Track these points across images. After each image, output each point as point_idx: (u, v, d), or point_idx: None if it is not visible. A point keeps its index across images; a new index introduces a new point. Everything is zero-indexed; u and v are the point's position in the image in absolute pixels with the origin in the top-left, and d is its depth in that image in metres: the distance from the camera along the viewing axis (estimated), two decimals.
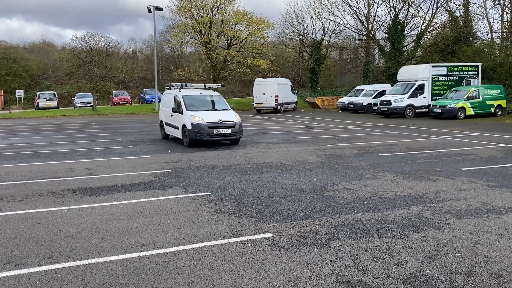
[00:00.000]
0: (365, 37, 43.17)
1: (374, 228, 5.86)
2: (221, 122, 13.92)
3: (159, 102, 41.67)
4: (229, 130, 13.91)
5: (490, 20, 47.90)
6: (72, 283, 4.31)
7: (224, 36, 41.66)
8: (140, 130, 21.16)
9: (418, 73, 27.53)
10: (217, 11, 40.26)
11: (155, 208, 6.93)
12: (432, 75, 27.15)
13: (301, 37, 44.27)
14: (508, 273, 4.41)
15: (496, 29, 40.43)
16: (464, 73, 28.20)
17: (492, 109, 25.34)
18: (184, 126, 14.25)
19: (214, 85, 17.62)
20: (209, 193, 7.87)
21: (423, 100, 26.87)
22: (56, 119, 30.76)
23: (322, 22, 47.01)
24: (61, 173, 10.14)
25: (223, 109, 14.98)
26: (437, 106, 25.11)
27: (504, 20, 37.59)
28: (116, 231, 5.81)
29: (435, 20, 39.09)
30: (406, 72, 28.69)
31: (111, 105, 43.63)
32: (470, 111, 24.66)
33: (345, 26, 42.68)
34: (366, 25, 42.03)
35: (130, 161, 11.69)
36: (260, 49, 41.25)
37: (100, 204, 7.25)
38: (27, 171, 10.38)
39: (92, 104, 38.67)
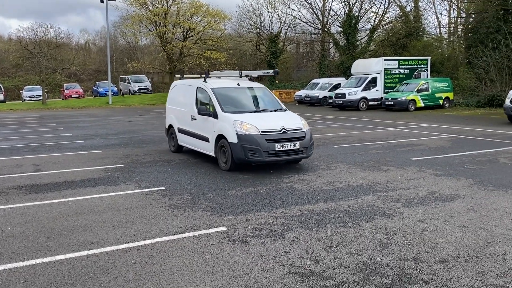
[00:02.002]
0: (320, 31, 43.75)
1: (328, 218, 5.94)
2: (284, 132, 8.81)
3: (113, 95, 40.75)
4: (297, 144, 8.84)
5: (438, 15, 49.83)
6: (13, 285, 4.08)
7: (180, 28, 40.98)
8: (93, 124, 20.46)
9: (371, 66, 28.23)
10: (172, 2, 39.53)
11: (106, 205, 6.70)
12: (384, 68, 27.91)
13: (258, 30, 44.32)
14: (453, 258, 4.59)
15: (444, 24, 42.25)
16: (415, 66, 29.18)
17: (441, 101, 26.39)
18: (220, 137, 9.11)
19: (256, 73, 11.91)
20: (163, 188, 7.71)
21: (376, 93, 27.61)
22: (3, 114, 29.20)
23: (278, 16, 47.37)
24: (6, 169, 9.62)
25: (275, 110, 9.87)
26: (389, 99, 25.87)
27: (451, 16, 39.25)
28: (64, 229, 5.57)
29: (387, 15, 40.19)
30: (360, 66, 29.36)
31: (62, 99, 41.98)
32: (420, 103, 25.57)
33: (301, 19, 43.13)
34: (321, 19, 42.60)
35: (81, 156, 11.26)
36: (217, 42, 40.92)
37: (47, 201, 6.93)
38: None
39: (41, 97, 37.02)
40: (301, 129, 9.08)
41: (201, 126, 9.90)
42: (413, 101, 25.38)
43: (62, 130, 17.90)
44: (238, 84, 10.26)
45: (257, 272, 4.29)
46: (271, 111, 9.75)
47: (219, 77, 11.28)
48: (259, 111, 9.68)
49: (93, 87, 46.70)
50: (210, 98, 9.66)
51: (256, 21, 44.01)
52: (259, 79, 47.37)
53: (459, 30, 37.22)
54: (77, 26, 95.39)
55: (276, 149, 8.60)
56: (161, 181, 8.29)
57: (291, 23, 43.46)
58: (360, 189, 7.53)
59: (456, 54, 35.80)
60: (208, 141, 9.56)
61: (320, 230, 5.46)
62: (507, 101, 17.61)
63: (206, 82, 10.16)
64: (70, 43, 53.92)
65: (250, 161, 8.64)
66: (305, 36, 48.29)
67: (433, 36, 40.50)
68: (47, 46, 34.85)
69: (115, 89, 43.31)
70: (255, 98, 10.28)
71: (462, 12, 35.42)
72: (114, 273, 4.30)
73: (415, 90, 25.60)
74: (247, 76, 10.95)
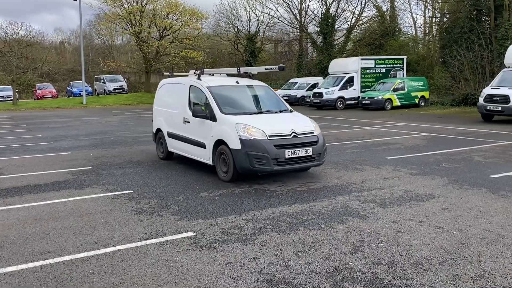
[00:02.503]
0: (298, 31, 43.76)
1: (300, 220, 5.74)
2: (294, 136, 7.77)
3: (88, 95, 39.82)
4: (309, 151, 7.75)
5: (414, 15, 50.59)
6: None
7: (156, 27, 40.32)
8: (65, 125, 19.83)
9: (348, 66, 28.31)
10: (148, 0, 38.86)
11: (69, 210, 6.34)
12: (361, 67, 28.02)
13: (235, 29, 44.03)
14: (427, 261, 4.44)
15: (419, 24, 42.78)
16: (391, 65, 29.39)
17: (417, 100, 26.63)
18: (219, 143, 7.98)
19: (257, 69, 10.56)
20: (131, 191, 7.39)
21: (353, 92, 27.69)
22: None
23: (256, 15, 47.09)
24: None
25: (280, 111, 8.78)
26: (366, 98, 25.98)
27: (426, 16, 39.76)
28: (19, 238, 5.21)
29: (364, 14, 40.43)
30: (337, 65, 29.41)
31: (35, 99, 40.83)
32: (397, 102, 25.75)
33: (278, 19, 43.03)
34: (299, 18, 42.60)
35: (48, 159, 10.80)
36: (194, 41, 40.43)
37: (5, 207, 6.53)
38: None
39: (12, 98, 35.89)
40: (312, 132, 8.00)
41: (195, 130, 8.68)
42: (390, 100, 25.54)
43: (31, 132, 17.27)
44: (237, 82, 9.15)
45: (223, 280, 4.05)
46: (276, 113, 8.64)
47: (212, 74, 10.27)
48: (262, 112, 8.56)
49: (67, 87, 45.57)
50: (206, 98, 8.49)
51: (234, 20, 43.76)
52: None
53: (434, 30, 37.76)
54: (51, 25, 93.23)
55: (286, 156, 7.49)
56: (129, 184, 7.96)
57: (268, 22, 43.35)
58: (335, 189, 7.37)
59: (431, 53, 36.28)
60: (205, 147, 8.35)
61: (292, 233, 5.26)
62: (481, 100, 17.84)
63: (200, 79, 8.97)
64: (42, 42, 52.56)
65: (256, 171, 7.56)
66: (283, 36, 48.24)
67: (409, 35, 41.00)
68: (18, 45, 33.75)
69: (90, 89, 42.38)
70: (256, 98, 9.15)
71: (436, 12, 35.94)
72: (68, 285, 3.99)
73: (391, 89, 25.77)
74: (246, 72, 9.88)
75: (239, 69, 9.68)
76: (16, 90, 36.12)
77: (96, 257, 4.60)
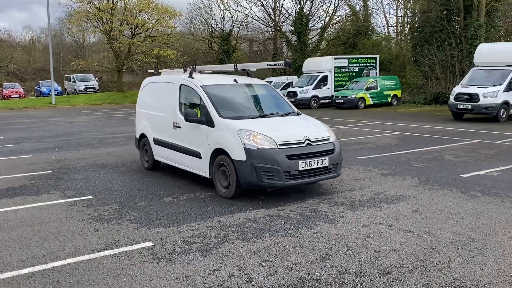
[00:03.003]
0: (272, 30, 43.63)
1: (267, 226, 5.48)
2: (308, 144, 6.68)
3: (57, 94, 38.59)
4: (325, 161, 6.71)
5: (386, 15, 51.15)
6: None
7: (128, 25, 39.45)
8: (30, 126, 19.04)
9: (322, 65, 28.30)
10: None
11: (20, 219, 5.91)
12: (335, 66, 28.05)
13: (209, 27, 43.57)
14: (397, 269, 4.25)
15: (392, 23, 43.31)
16: (364, 64, 29.53)
17: (389, 99, 26.80)
18: (218, 152, 6.83)
19: (257, 65, 9.61)
20: (90, 197, 6.98)
21: (327, 91, 27.69)
22: None
23: (230, 13, 46.73)
24: None
25: (286, 113, 7.70)
26: (339, 97, 26.00)
27: (398, 15, 40.21)
28: None
29: (338, 13, 40.60)
30: (311, 64, 29.37)
31: (1, 99, 39.35)
32: (370, 101, 25.85)
33: (253, 18, 42.81)
34: (273, 17, 42.47)
35: (6, 162, 10.23)
36: (167, 39, 39.76)
37: None
38: None
39: None
40: (328, 139, 6.93)
41: (188, 137, 7.50)
42: (363, 99, 25.62)
43: None
44: (235, 81, 7.98)
45: None
46: (282, 116, 7.57)
47: (202, 72, 9.05)
48: (266, 115, 7.43)
49: (36, 87, 44.14)
50: (200, 100, 7.36)
51: (208, 18, 43.29)
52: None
53: (406, 29, 38.22)
54: (21, 22, 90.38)
55: (300, 168, 6.43)
56: (90, 189, 7.54)
57: (243, 21, 43.06)
58: (304, 192, 7.14)
59: (404, 52, 36.70)
60: (199, 157, 7.16)
61: (258, 241, 4.99)
62: (451, 98, 18.01)
63: (192, 78, 7.81)
64: (9, 40, 50.85)
65: (264, 186, 6.48)
66: (258, 35, 48.05)
67: (382, 35, 41.39)
68: None
69: (60, 88, 41.09)
70: (257, 99, 8.11)
71: (408, 11, 36.39)
72: None
73: (364, 88, 25.86)
74: (244, 69, 8.67)
75: (236, 66, 8.50)
76: None
77: (42, 272, 4.22)
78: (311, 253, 4.63)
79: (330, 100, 27.27)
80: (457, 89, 17.94)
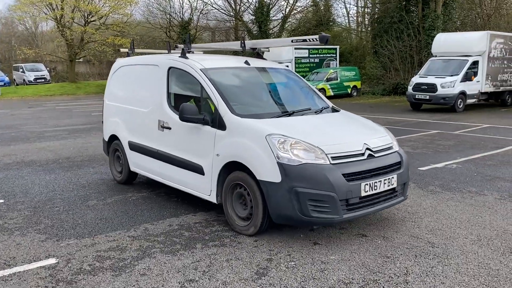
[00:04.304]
0: (233, 19, 42.62)
1: (201, 234, 4.71)
2: (370, 155, 4.61)
3: (4, 85, 36.13)
4: (393, 180, 4.67)
5: (347, 5, 51.08)
6: None
7: (80, 12, 37.40)
8: None
9: (282, 55, 27.62)
10: None
11: None
12: (295, 57, 27.51)
13: (167, 15, 42.04)
14: (345, 286, 3.58)
15: (352, 14, 43.19)
16: (324, 55, 29.15)
17: (349, 90, 26.54)
18: (232, 167, 4.74)
19: (275, 42, 7.45)
20: (1, 201, 5.98)
21: None
22: None
23: (189, 1, 45.35)
24: None
25: (321, 109, 5.54)
26: None
27: (359, 6, 40.13)
28: None
29: (298, 4, 40.10)
30: (271, 55, 28.60)
31: None
32: (330, 92, 25.47)
33: (212, 6, 41.64)
34: (234, 6, 41.45)
35: None
36: (123, 27, 38.01)
37: None
38: None
39: None
40: (391, 147, 4.92)
41: (183, 143, 5.35)
42: (323, 90, 25.16)
43: None
44: (246, 63, 5.71)
45: None
46: (316, 113, 5.38)
47: (192, 52, 6.10)
48: (295, 112, 5.19)
49: None
50: (202, 89, 5.18)
51: (166, 6, 41.71)
52: None
53: (366, 20, 38.20)
54: None
55: (363, 193, 4.35)
56: (5, 191, 6.51)
57: (202, 9, 41.79)
58: None
59: (364, 43, 36.67)
60: (201, 173, 5.07)
61: (186, 253, 4.21)
62: (409, 89, 17.81)
63: (186, 58, 5.57)
64: None
65: (312, 223, 4.35)
66: (219, 24, 46.86)
67: (342, 26, 41.26)
68: None
69: (7, 79, 38.59)
70: (277, 89, 5.95)
71: (368, 2, 36.28)
72: None
73: (325, 79, 25.46)
74: (253, 49, 6.28)
75: (244, 43, 6.10)
76: None
77: None
78: (247, 267, 3.91)
79: None
80: (415, 79, 17.75)
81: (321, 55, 28.95)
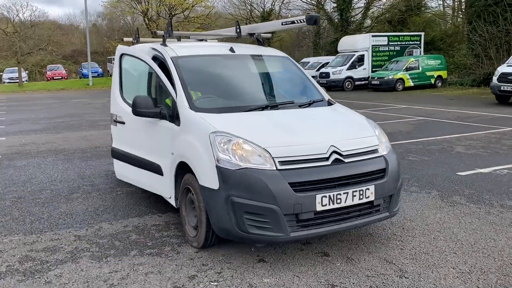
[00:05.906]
0: (315, 8, 41.38)
1: (148, 238, 4.26)
2: (337, 160, 3.70)
3: (97, 76, 39.12)
4: (368, 191, 3.71)
5: None
6: None
7: (165, 6, 38.98)
8: (44, 108, 18.89)
9: (358, 43, 26.12)
10: None
11: None
12: (372, 45, 25.79)
13: (249, 6, 42.17)
14: None
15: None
16: (406, 43, 26.94)
17: (432, 80, 24.23)
18: (184, 168, 4.09)
19: (269, 25, 6.50)
20: None
21: (363, 71, 25.56)
22: None
23: None
24: None
25: (309, 103, 4.73)
26: (375, 78, 23.86)
27: None
28: None
29: None
30: (346, 43, 27.22)
31: (47, 80, 40.69)
32: (409, 83, 23.50)
33: None
34: None
35: None
36: (205, 21, 38.91)
37: None
38: None
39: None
40: (375, 150, 4.01)
41: (139, 140, 4.94)
42: (401, 80, 23.31)
43: (2, 114, 16.45)
44: (231, 50, 5.08)
45: None
46: (300, 106, 4.65)
47: (178, 39, 5.50)
48: (276, 106, 4.59)
49: (79, 68, 45.31)
50: (173, 81, 4.43)
51: None
52: None
53: (463, 4, 34.55)
54: (79, 7, 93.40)
55: (319, 207, 3.53)
56: (11, 179, 6.68)
57: None
58: None
59: (459, 29, 33.26)
60: (160, 173, 4.53)
61: (112, 261, 3.79)
62: (494, 79, 15.58)
63: (165, 45, 4.92)
64: (67, 25, 52.42)
65: (251, 240, 3.62)
66: (300, 14, 45.95)
67: (435, 11, 37.86)
68: (23, 25, 33.35)
69: (100, 70, 41.81)
70: (266, 79, 5.28)
71: None
72: None
73: (404, 68, 23.51)
74: (251, 34, 5.71)
75: (239, 29, 5.61)
76: (26, 72, 35.87)
77: None
78: (161, 284, 3.38)
79: (367, 82, 25.16)
80: (501, 69, 15.48)
81: (402, 43, 26.81)
